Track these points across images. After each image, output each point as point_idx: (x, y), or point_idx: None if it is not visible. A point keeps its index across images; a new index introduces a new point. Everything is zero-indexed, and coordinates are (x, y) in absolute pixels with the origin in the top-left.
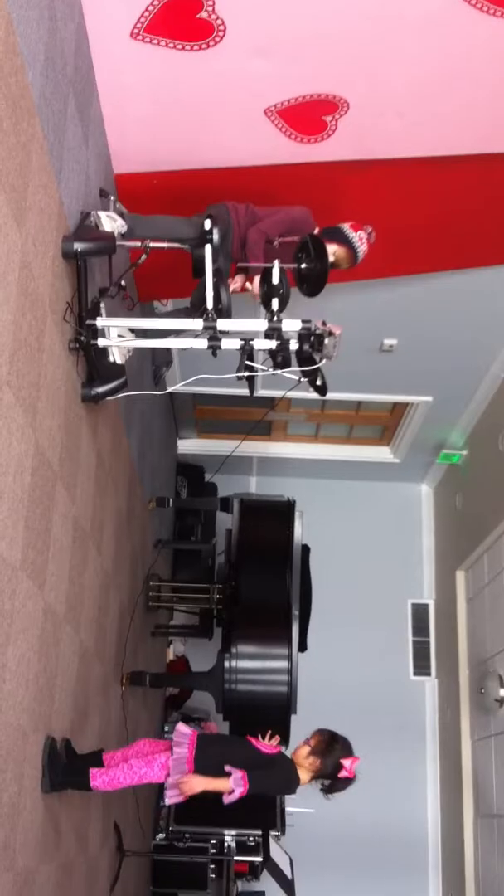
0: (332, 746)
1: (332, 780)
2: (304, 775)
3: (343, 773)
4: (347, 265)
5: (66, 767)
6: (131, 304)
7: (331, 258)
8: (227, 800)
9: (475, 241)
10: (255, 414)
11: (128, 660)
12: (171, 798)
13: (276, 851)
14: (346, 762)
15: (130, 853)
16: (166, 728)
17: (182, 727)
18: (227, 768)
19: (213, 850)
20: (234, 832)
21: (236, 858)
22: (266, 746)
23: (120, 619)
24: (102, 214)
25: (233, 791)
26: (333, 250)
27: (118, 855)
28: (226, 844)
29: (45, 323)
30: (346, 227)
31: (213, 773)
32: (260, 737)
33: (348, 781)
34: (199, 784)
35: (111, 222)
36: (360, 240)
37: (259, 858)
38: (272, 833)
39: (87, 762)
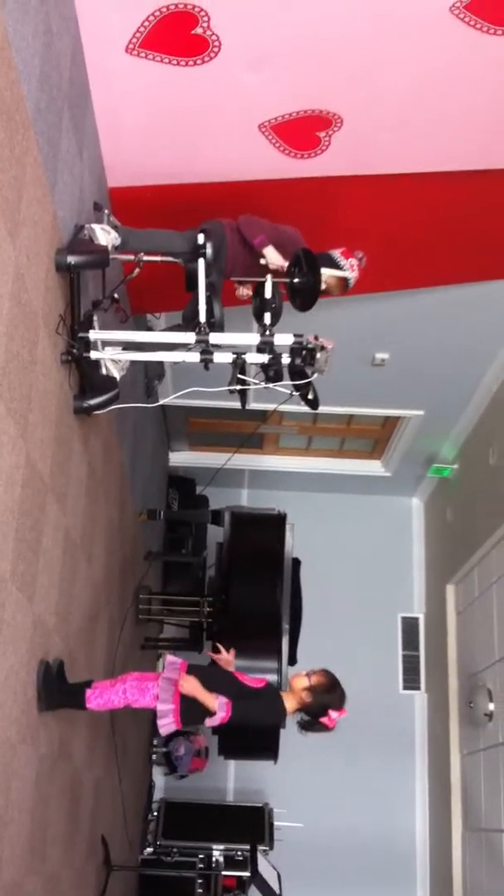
0: (329, 691)
1: (312, 721)
2: (291, 703)
3: (324, 720)
4: (338, 292)
5: (60, 688)
6: (124, 317)
7: (322, 286)
8: (208, 722)
9: (467, 256)
10: (246, 427)
11: (117, 672)
12: (163, 728)
13: (263, 866)
14: (333, 713)
15: (118, 867)
16: (154, 742)
17: (171, 657)
18: (215, 695)
19: (201, 865)
20: (221, 847)
21: (224, 873)
22: (252, 681)
23: (109, 631)
24: (97, 227)
25: (215, 714)
26: (324, 278)
27: (105, 869)
28: (214, 859)
29: (37, 335)
30: (337, 253)
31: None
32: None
33: (325, 729)
34: (196, 686)
35: (105, 235)
36: (352, 267)
37: (247, 873)
38: (260, 848)
39: (78, 688)
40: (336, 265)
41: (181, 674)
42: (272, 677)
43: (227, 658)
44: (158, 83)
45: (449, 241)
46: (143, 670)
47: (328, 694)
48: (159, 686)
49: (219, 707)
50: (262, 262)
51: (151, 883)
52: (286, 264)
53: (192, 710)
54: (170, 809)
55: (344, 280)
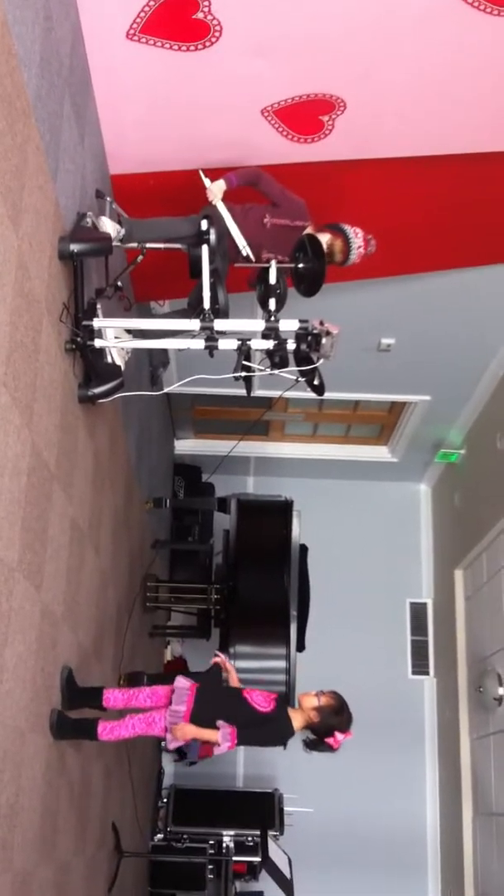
0: (337, 713)
1: (318, 739)
2: (298, 721)
3: (330, 741)
4: (340, 257)
5: (80, 691)
6: (128, 305)
7: (324, 247)
8: (216, 751)
9: (472, 240)
10: (252, 414)
11: (125, 660)
12: (171, 743)
13: (274, 851)
14: (339, 735)
15: (128, 854)
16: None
17: (181, 681)
18: (219, 723)
19: (212, 851)
20: (232, 832)
21: (234, 858)
22: (262, 703)
23: (117, 619)
24: (105, 219)
25: (220, 745)
26: (328, 239)
27: (116, 855)
28: (224, 844)
29: (41, 324)
30: (345, 224)
31: (207, 726)
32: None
33: (330, 749)
34: (191, 731)
35: (112, 226)
36: (356, 234)
37: (257, 858)
38: (271, 833)
39: (89, 695)
40: (342, 231)
41: (178, 721)
42: (280, 663)
43: (228, 668)
44: (159, 69)
45: (454, 224)
46: (153, 677)
47: (336, 716)
48: (167, 719)
49: (222, 738)
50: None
51: (162, 869)
52: (216, 199)
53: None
54: (180, 796)
55: (346, 244)
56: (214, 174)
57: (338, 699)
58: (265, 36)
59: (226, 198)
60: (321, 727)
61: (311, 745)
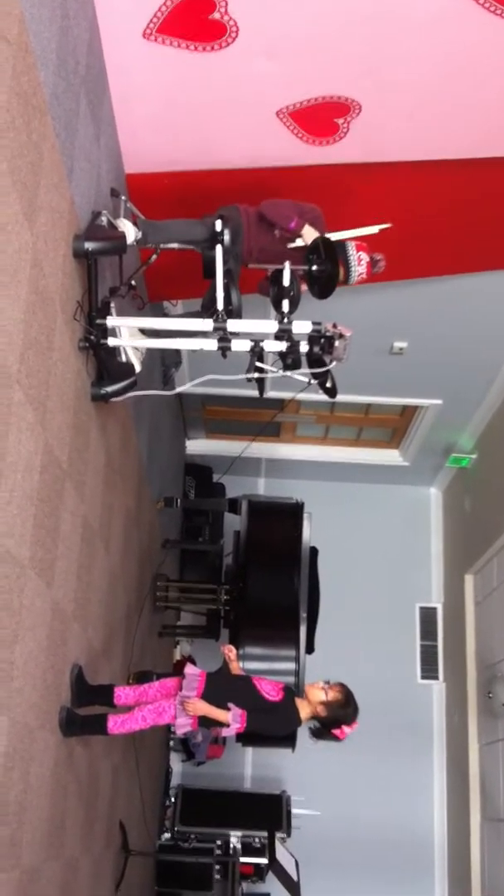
0: (344, 706)
1: (324, 729)
2: (305, 712)
3: (336, 732)
4: (340, 280)
5: (90, 689)
6: (141, 304)
7: None
8: (224, 732)
9: (486, 244)
10: (264, 415)
11: (135, 659)
12: (179, 729)
13: (281, 853)
14: (346, 728)
15: (135, 853)
16: (172, 728)
17: (191, 669)
18: (229, 705)
19: (219, 851)
20: (239, 833)
21: (241, 860)
22: (270, 693)
23: (127, 618)
24: (124, 222)
25: (229, 726)
26: None
27: (123, 854)
28: (231, 845)
29: (55, 322)
30: (352, 245)
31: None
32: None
33: (336, 739)
34: (202, 708)
35: (132, 229)
36: (359, 260)
37: (264, 860)
38: (278, 835)
39: (99, 693)
40: (346, 259)
41: (192, 697)
42: (289, 665)
43: (231, 657)
44: (175, 69)
45: (467, 229)
46: (163, 676)
47: (342, 709)
48: (175, 707)
49: (232, 719)
50: (299, 242)
51: (169, 869)
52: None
53: (209, 718)
54: (187, 796)
55: (346, 272)
56: (229, 175)
57: (345, 692)
58: (281, 37)
59: (242, 201)
60: (329, 718)
61: (317, 735)
